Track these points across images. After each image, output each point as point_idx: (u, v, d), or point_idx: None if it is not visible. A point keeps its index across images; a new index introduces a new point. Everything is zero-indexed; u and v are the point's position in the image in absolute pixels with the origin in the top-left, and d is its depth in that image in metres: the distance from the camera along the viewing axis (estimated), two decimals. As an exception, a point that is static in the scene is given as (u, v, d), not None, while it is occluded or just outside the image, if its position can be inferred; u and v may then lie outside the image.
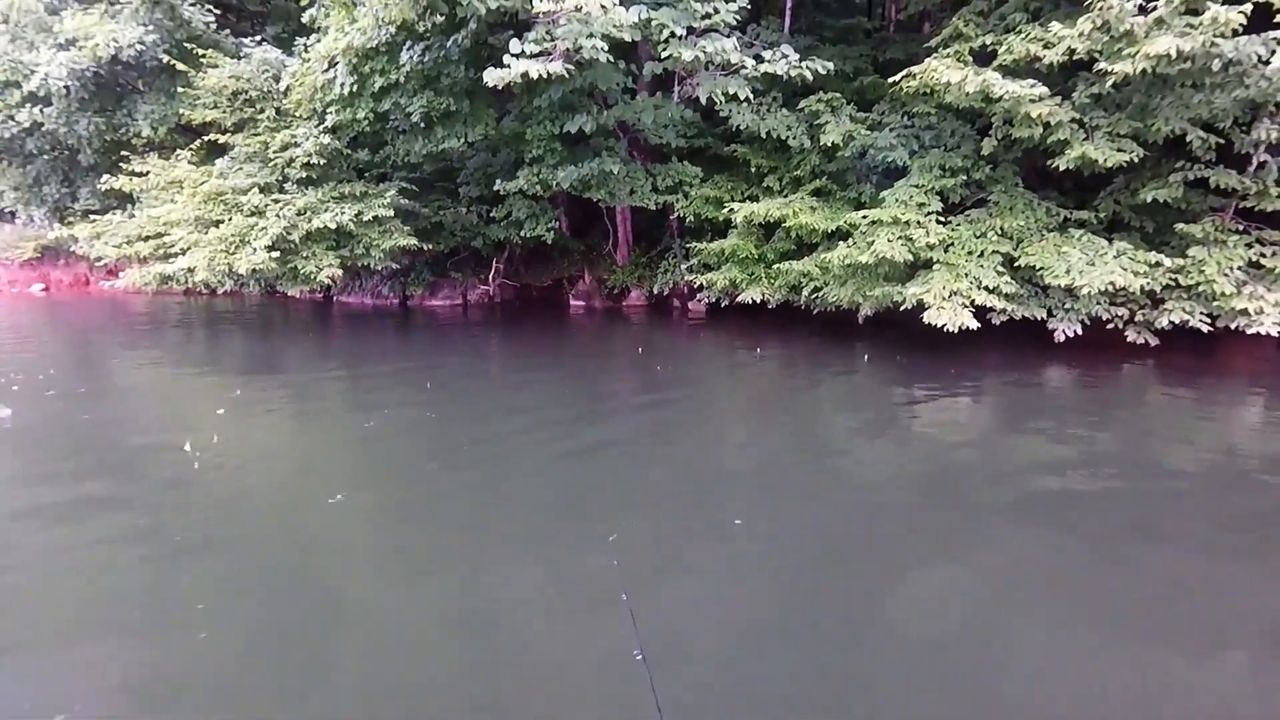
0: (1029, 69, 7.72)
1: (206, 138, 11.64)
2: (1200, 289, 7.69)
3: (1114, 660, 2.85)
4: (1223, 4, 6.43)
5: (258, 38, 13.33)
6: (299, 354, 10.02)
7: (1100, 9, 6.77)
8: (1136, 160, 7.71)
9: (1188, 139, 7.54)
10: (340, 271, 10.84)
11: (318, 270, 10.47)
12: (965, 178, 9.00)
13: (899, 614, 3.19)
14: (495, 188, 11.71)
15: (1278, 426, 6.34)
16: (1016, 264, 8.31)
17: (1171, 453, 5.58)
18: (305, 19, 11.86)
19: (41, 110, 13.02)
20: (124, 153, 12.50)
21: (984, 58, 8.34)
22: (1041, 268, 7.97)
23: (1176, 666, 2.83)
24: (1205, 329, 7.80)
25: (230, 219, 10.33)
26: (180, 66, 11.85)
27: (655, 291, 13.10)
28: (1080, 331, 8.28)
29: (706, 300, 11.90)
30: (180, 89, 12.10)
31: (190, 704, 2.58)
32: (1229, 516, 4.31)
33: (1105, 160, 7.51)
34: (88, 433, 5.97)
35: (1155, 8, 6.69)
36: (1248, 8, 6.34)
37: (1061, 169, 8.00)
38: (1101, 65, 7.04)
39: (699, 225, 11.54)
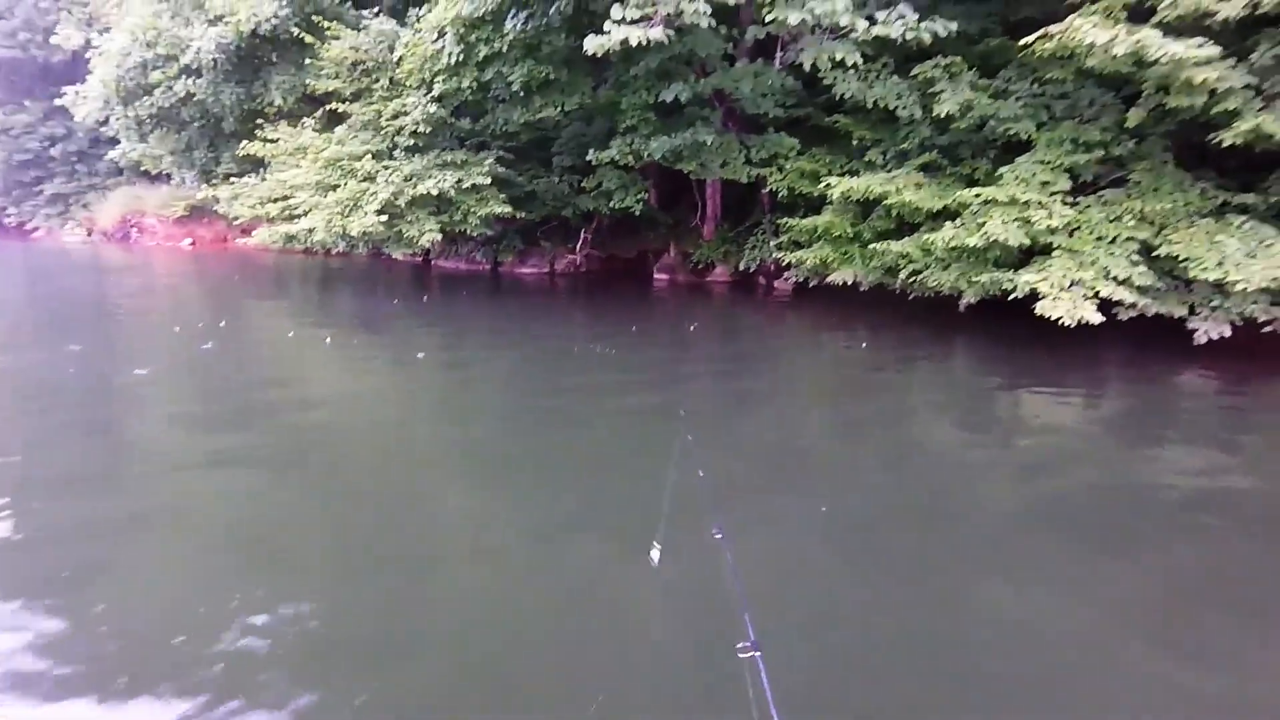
0: (1197, 27, 6.67)
1: (328, 107, 12.53)
2: (1395, 291, 6.50)
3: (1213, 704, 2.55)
4: None
5: (375, 9, 14.07)
6: (404, 313, 10.76)
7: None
8: (1326, 136, 6.54)
9: (1400, 110, 6.29)
10: (440, 236, 11.44)
11: (420, 235, 11.10)
12: (1103, 153, 8.02)
13: (984, 639, 3.00)
14: (588, 157, 11.82)
15: None
16: (1156, 253, 7.36)
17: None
18: (419, -10, 12.36)
19: (194, 81, 14.52)
20: (259, 121, 13.73)
21: (1140, 15, 7.30)
22: (1187, 258, 7.02)
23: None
24: (1397, 339, 6.61)
25: (346, 184, 11.14)
26: (308, 39, 12.77)
27: (741, 268, 12.82)
28: (1228, 334, 7.25)
29: (794, 279, 11.50)
30: (308, 60, 13.06)
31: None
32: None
33: (1285, 135, 6.42)
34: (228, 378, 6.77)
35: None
36: None
37: (1226, 145, 6.93)
38: (1293, 21, 5.97)
39: (792, 200, 11.10)
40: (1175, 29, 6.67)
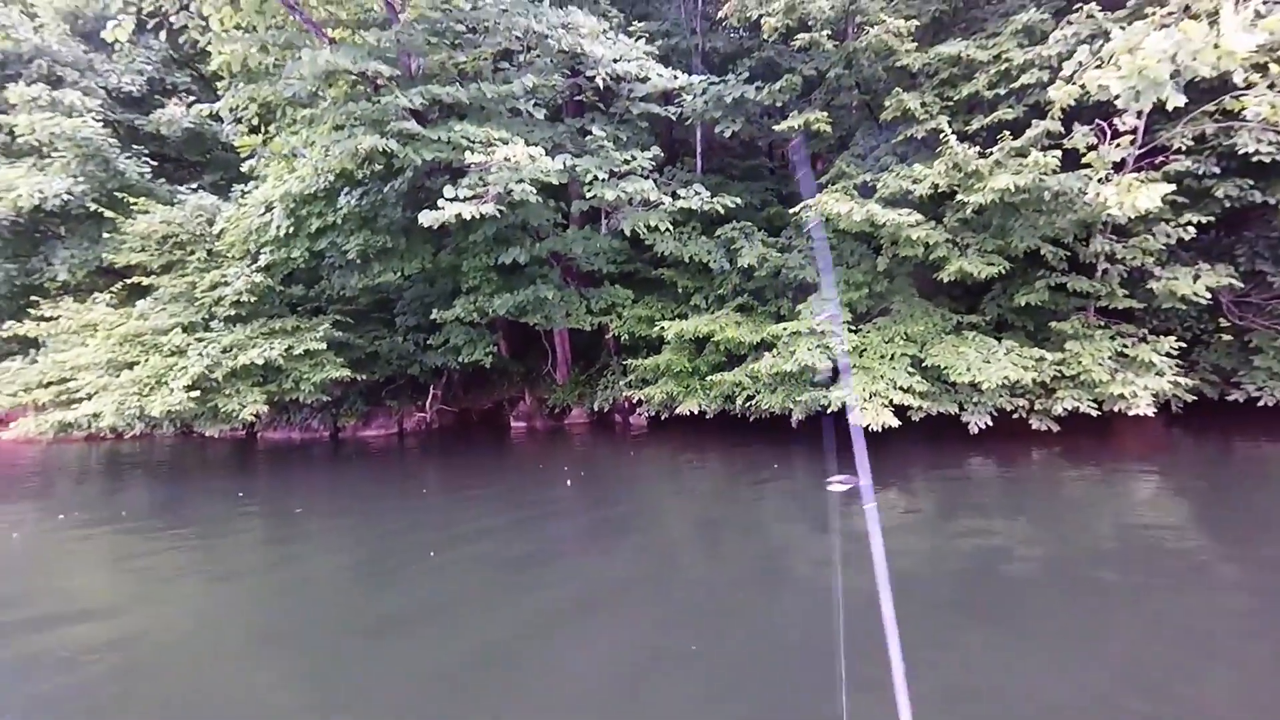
0: (905, 200, 8.99)
1: (129, 280, 11.44)
2: (1082, 378, 8.59)
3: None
4: (1041, 150, 7.91)
5: (194, 185, 13.67)
6: (213, 498, 9.29)
7: (949, 154, 8.14)
8: (1005, 271, 8.89)
9: (1042, 252, 8.82)
10: (266, 407, 10.44)
11: (240, 407, 10.04)
12: (868, 290, 10.01)
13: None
14: (432, 316, 11.93)
15: (1170, 498, 6.92)
16: (924, 364, 9.09)
17: (1073, 530, 5.92)
18: (245, 168, 12.36)
19: (-54, 258, 12.54)
20: (33, 297, 12.02)
21: (868, 190, 9.67)
22: (946, 367, 8.74)
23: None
24: (1094, 413, 8.61)
25: (147, 359, 9.93)
26: (108, 214, 11.89)
27: (596, 408, 13.25)
28: (990, 423, 8.94)
29: (647, 414, 12.12)
30: (106, 234, 12.04)
31: None
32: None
33: (979, 272, 8.62)
34: None
35: (992, 152, 8.13)
36: (1059, 153, 7.83)
37: (946, 280, 9.08)
38: (960, 197, 8.32)
39: (634, 343, 12.05)
40: (891, 201, 8.91)
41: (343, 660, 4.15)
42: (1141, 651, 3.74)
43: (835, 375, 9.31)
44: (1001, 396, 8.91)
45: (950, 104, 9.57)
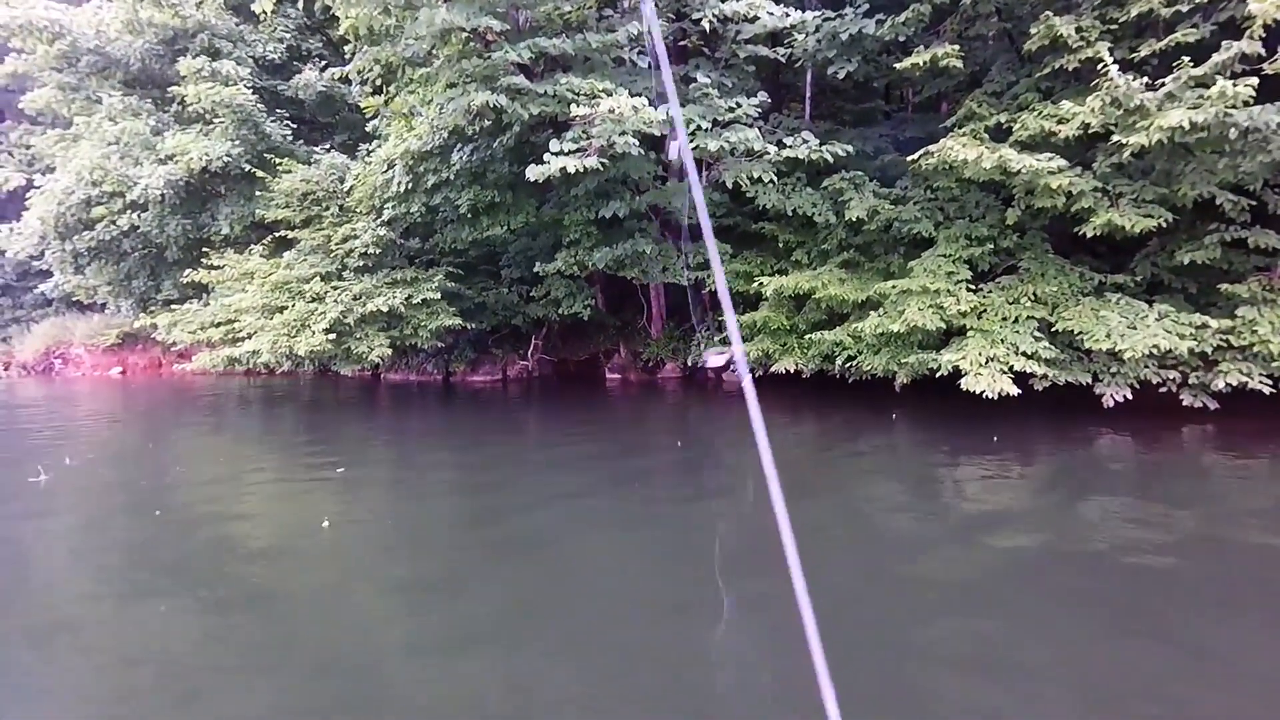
0: (1046, 143, 7.97)
1: (277, 233, 12.85)
2: (1255, 349, 7.42)
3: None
4: (1231, 78, 6.64)
5: (326, 145, 14.91)
6: (352, 431, 10.49)
7: (1108, 87, 7.06)
8: (1166, 224, 7.72)
9: (1217, 201, 7.54)
10: (390, 351, 11.49)
11: (369, 350, 11.13)
12: (993, 246, 9.12)
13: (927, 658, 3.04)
14: (535, 269, 12.42)
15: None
16: (1054, 329, 8.22)
17: (1234, 529, 5.23)
18: (369, 128, 13.29)
19: (139, 215, 14.67)
20: (204, 249, 13.86)
21: (1000, 134, 8.67)
22: (1080, 332, 7.87)
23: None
24: (1268, 390, 7.44)
25: (294, 305, 11.21)
26: (259, 173, 13.31)
27: (689, 363, 13.31)
28: (1130, 396, 8.00)
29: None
30: (258, 192, 13.52)
31: None
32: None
33: (1132, 226, 7.55)
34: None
35: (1164, 83, 6.94)
36: (1255, 80, 6.52)
37: (1090, 235, 8.05)
38: (1118, 137, 7.24)
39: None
40: (1029, 145, 7.94)
41: (439, 553, 4.67)
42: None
43: (948, 337, 8.69)
44: (1148, 367, 7.92)
45: (1114, 27, 8.22)
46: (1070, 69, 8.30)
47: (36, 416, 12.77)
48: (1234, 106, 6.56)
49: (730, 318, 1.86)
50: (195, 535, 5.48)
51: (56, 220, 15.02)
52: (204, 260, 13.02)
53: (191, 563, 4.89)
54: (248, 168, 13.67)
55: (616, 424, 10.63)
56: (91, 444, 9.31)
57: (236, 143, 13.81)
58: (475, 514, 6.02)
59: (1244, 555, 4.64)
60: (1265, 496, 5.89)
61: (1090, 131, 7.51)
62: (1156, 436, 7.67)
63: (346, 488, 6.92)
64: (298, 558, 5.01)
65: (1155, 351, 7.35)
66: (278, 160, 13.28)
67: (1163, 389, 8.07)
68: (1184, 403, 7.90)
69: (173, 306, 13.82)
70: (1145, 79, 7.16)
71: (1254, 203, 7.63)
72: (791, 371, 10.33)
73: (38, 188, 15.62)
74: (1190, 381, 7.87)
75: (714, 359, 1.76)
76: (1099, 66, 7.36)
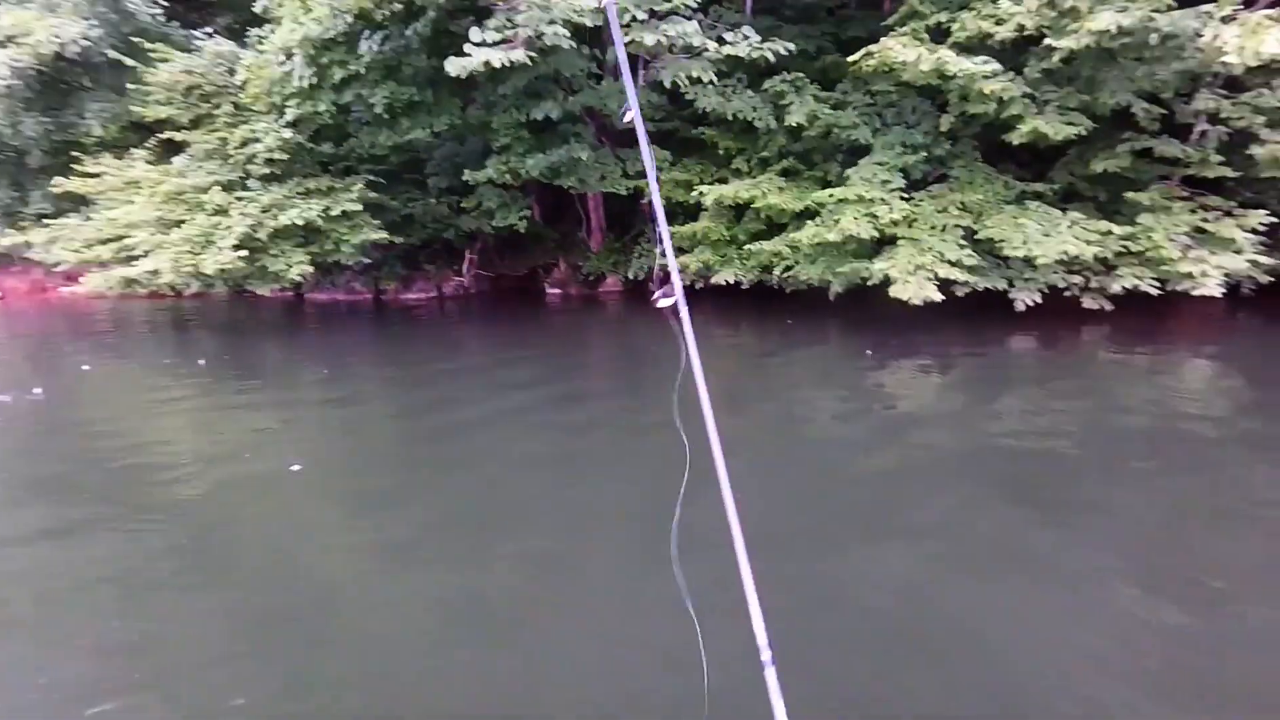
0: (982, 46, 7.92)
1: (162, 135, 11.31)
2: (1149, 255, 8.05)
3: (1039, 619, 3.10)
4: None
5: (208, 29, 12.91)
6: (274, 357, 9.93)
7: (1046, -15, 6.99)
8: (1086, 133, 8.00)
9: (1133, 110, 7.84)
10: (311, 269, 10.70)
11: (288, 268, 10.33)
12: (926, 154, 9.23)
13: (848, 579, 3.39)
14: (464, 178, 11.60)
15: (1222, 383, 6.74)
16: (977, 237, 8.59)
17: (1121, 416, 5.91)
18: (258, 9, 11.52)
19: (-17, 111, 12.51)
20: (75, 154, 12.09)
21: (940, 35, 8.52)
22: (1000, 240, 8.26)
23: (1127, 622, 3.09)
24: (1155, 293, 8.17)
25: (193, 219, 10.12)
26: (129, 62, 11.46)
27: (630, 277, 13.17)
28: (1040, 300, 8.60)
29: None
30: (131, 85, 11.71)
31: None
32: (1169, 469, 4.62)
33: (1056, 134, 7.78)
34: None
35: (1098, -16, 6.94)
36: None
37: (1016, 143, 8.25)
38: (1049, 41, 7.27)
39: (670, 209, 11.60)
40: (967, 48, 7.86)
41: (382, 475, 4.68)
42: (1169, 525, 3.88)
43: (880, 245, 8.92)
44: (1056, 273, 8.47)
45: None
46: (1012, -34, 8.11)
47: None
48: (1158, 11, 6.66)
49: (672, 260, 1.80)
50: (119, 462, 5.18)
51: (-122, 117, 12.63)
52: (76, 167, 11.39)
53: (119, 487, 4.66)
54: (112, 54, 11.73)
55: (555, 341, 10.56)
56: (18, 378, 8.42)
57: (93, 22, 11.74)
58: (411, 433, 5.96)
59: (1126, 437, 5.28)
60: (1148, 386, 6.64)
61: (1024, 34, 7.49)
62: (1059, 337, 8.37)
63: (275, 413, 6.64)
64: (233, 486, 4.85)
65: (1064, 257, 7.86)
66: (149, 46, 11.44)
67: (1067, 293, 8.72)
68: (1084, 305, 8.59)
69: (46, 221, 12.19)
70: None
71: (1165, 112, 7.98)
72: (731, 283, 10.43)
73: None
74: (1091, 285, 8.52)
75: (663, 301, 1.75)
76: (1039, -37, 7.23)
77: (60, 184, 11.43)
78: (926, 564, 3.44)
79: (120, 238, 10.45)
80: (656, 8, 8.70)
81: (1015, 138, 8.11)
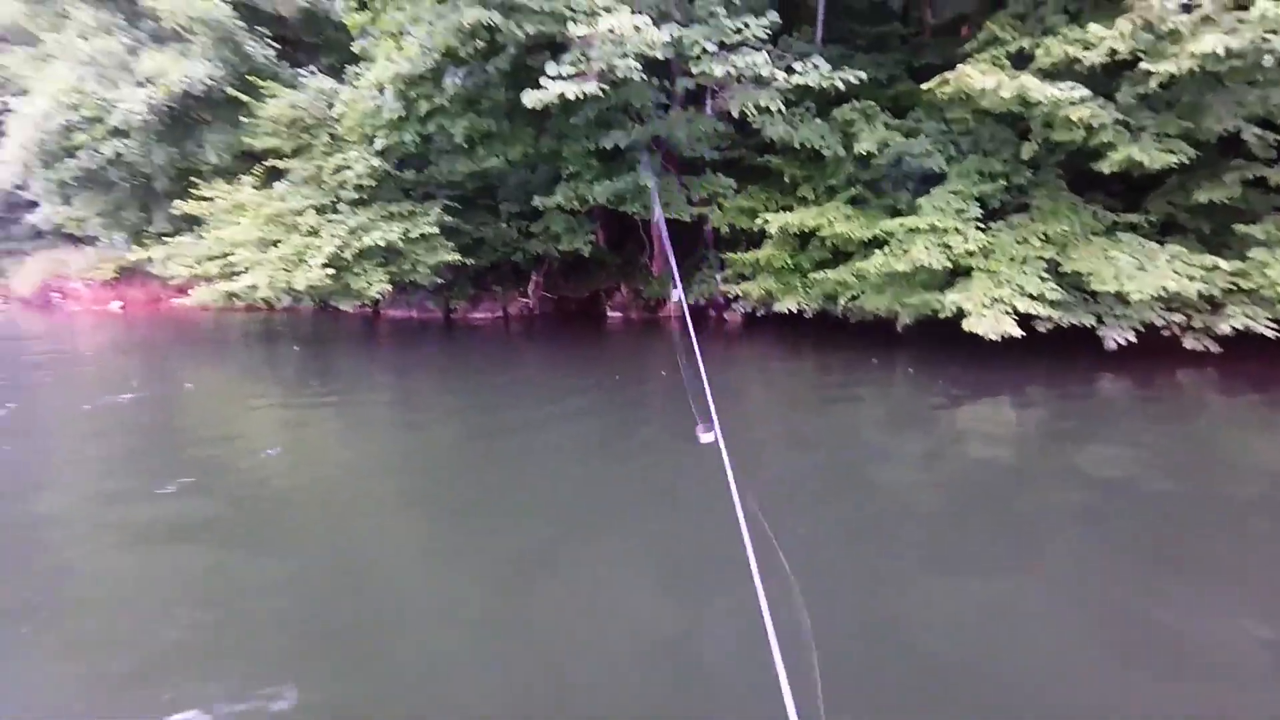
0: (1069, 71, 7.56)
1: (267, 163, 12.41)
2: (1263, 292, 7.33)
3: (1112, 681, 2.80)
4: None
5: (313, 68, 14.15)
6: (351, 366, 10.55)
7: (1140, 8, 6.61)
8: (1188, 161, 7.44)
9: (1243, 137, 7.23)
10: (389, 287, 11.37)
11: (369, 286, 11.01)
12: (1005, 183, 8.83)
13: (914, 623, 3.19)
14: (534, 203, 12.08)
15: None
16: (1062, 270, 8.10)
17: (1229, 466, 5.35)
18: (356, 49, 12.56)
19: (122, 142, 14.13)
20: (193, 179, 13.44)
21: (1022, 61, 8.21)
22: (1088, 274, 7.74)
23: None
24: (1271, 334, 7.41)
25: (288, 239, 10.99)
26: (243, 98, 12.71)
27: (691, 302, 13.20)
28: (1134, 339, 7.98)
29: (743, 310, 11.94)
30: (244, 119, 12.96)
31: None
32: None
33: (1152, 162, 7.28)
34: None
35: (1200, 5, 6.49)
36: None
37: (1107, 172, 7.77)
38: (1146, 65, 6.85)
39: (734, 235, 11.62)
40: (1052, 74, 7.53)
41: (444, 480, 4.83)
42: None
43: (953, 277, 8.57)
44: (1153, 310, 7.84)
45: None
46: (1103, -12, 7.76)
47: (49, 349, 12.83)
48: (1273, 31, 6.16)
49: (681, 296, 1.86)
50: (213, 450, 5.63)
51: (38, 147, 14.50)
52: (193, 191, 12.65)
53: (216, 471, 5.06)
54: (231, 92, 13.04)
55: (613, 360, 10.68)
56: (129, 379, 9.39)
57: (217, 64, 13.12)
58: (468, 436, 6.16)
59: (1239, 492, 4.75)
60: (1265, 438, 5.97)
61: (1117, 59, 7.10)
62: (1155, 379, 7.71)
63: (346, 414, 7.03)
64: (309, 477, 5.15)
65: (1163, 294, 7.27)
66: (262, 84, 12.65)
67: (1166, 332, 8.03)
68: (1186, 346, 7.89)
69: (166, 239, 13.56)
70: (1182, 1, 6.70)
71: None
72: (794, 311, 10.26)
73: (13, 111, 15.00)
74: (1194, 325, 7.83)
75: (704, 437, 1.83)
76: (1134, -15, 6.87)
77: (179, 206, 12.72)
78: (1000, 618, 3.20)
79: (226, 255, 11.48)
80: (726, 40, 8.84)
81: (1106, 166, 7.63)
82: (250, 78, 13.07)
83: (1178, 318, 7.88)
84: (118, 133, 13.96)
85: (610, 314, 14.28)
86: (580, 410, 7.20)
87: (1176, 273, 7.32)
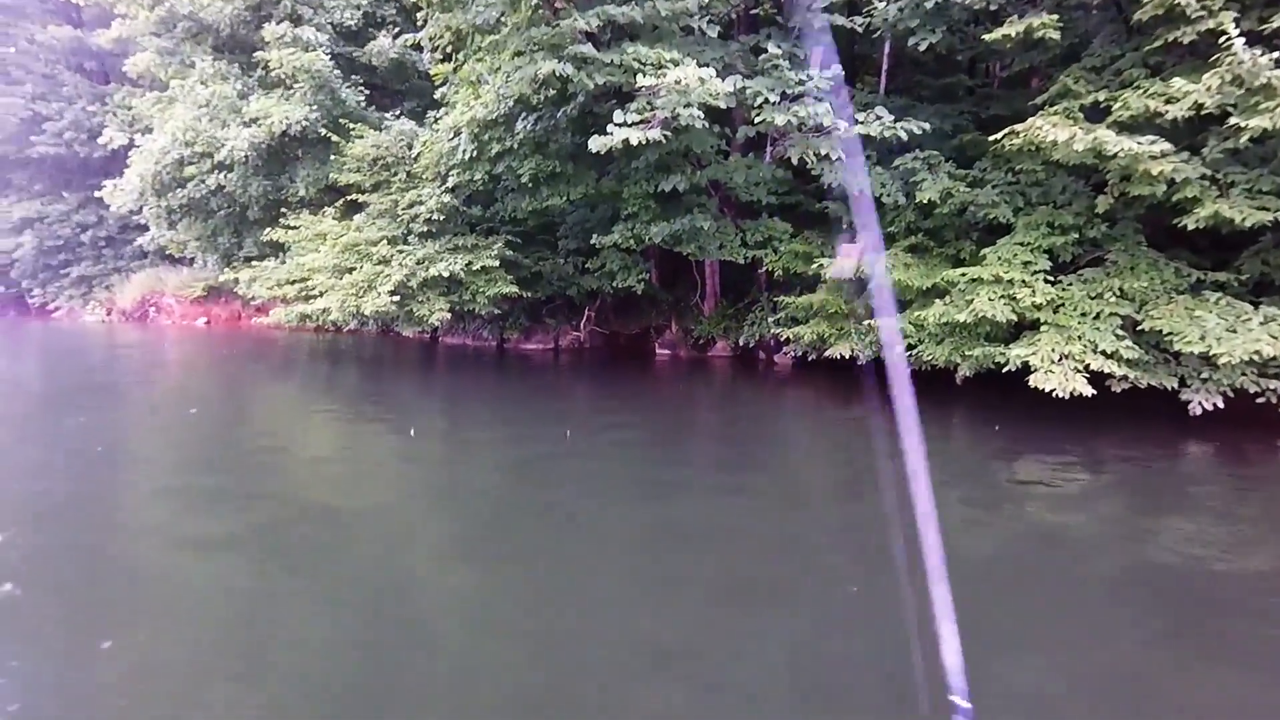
0: (1149, 125, 7.30)
1: (348, 197, 13.36)
2: (1375, 362, 6.69)
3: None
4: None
5: (396, 111, 15.29)
6: (408, 389, 10.98)
7: (1229, 63, 6.37)
8: (1282, 218, 6.99)
9: (1348, 195, 6.76)
10: (449, 315, 11.87)
11: (430, 313, 11.54)
12: (1077, 235, 8.50)
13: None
14: (591, 241, 12.46)
15: None
16: (1140, 328, 7.65)
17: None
18: (437, 96, 13.52)
19: (225, 175, 15.57)
20: (282, 209, 14.59)
21: (1097, 114, 8.00)
22: (1170, 333, 7.28)
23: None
24: (1386, 409, 6.73)
25: (362, 266, 11.71)
26: (334, 137, 13.83)
27: (741, 343, 13.16)
28: (1221, 405, 7.39)
29: (793, 354, 11.79)
30: (332, 156, 14.08)
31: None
32: None
33: (1243, 219, 6.87)
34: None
35: (1297, 59, 6.21)
36: None
37: (1191, 228, 7.38)
38: (1235, 120, 6.55)
39: (788, 279, 11.59)
40: (1130, 127, 7.29)
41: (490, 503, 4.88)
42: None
43: (1018, 330, 8.23)
44: (1245, 374, 7.26)
45: (1241, -5, 7.38)
46: (1185, 42, 7.51)
47: (154, 360, 13.96)
48: (1382, 86, 5.81)
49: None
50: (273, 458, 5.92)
51: (154, 178, 16.12)
52: (281, 220, 13.72)
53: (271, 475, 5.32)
54: (324, 132, 14.21)
55: (659, 396, 10.69)
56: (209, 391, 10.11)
57: (314, 107, 14.37)
58: (514, 463, 6.24)
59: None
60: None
61: (1203, 113, 6.82)
62: (1246, 449, 7.08)
63: (402, 436, 7.28)
64: (360, 491, 5.34)
65: (1256, 358, 6.74)
66: (351, 125, 13.74)
67: (1260, 399, 7.41)
68: (1284, 416, 7.24)
69: (253, 263, 14.69)
70: (1275, 55, 6.42)
71: (1393, 197, 6.80)
72: (847, 356, 10.05)
73: (138, 147, 16.78)
74: (1294, 392, 7.19)
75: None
76: (1220, 40, 6.64)
77: (268, 234, 13.80)
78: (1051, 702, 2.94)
79: (304, 279, 12.31)
80: (789, 90, 9.04)
81: (1190, 222, 7.25)
82: (341, 120, 14.23)
83: (1275, 384, 7.27)
84: (222, 166, 15.37)
85: (659, 351, 14.37)
86: (623, 441, 7.21)
87: (1272, 336, 6.79)
